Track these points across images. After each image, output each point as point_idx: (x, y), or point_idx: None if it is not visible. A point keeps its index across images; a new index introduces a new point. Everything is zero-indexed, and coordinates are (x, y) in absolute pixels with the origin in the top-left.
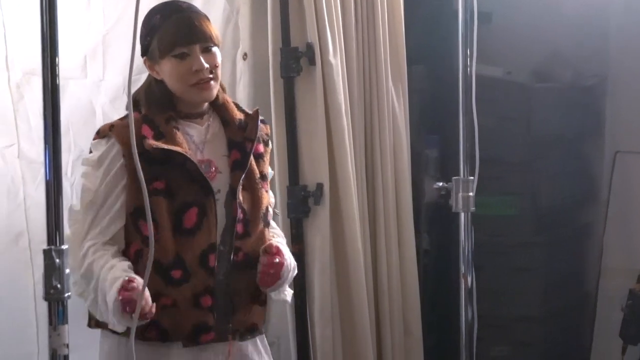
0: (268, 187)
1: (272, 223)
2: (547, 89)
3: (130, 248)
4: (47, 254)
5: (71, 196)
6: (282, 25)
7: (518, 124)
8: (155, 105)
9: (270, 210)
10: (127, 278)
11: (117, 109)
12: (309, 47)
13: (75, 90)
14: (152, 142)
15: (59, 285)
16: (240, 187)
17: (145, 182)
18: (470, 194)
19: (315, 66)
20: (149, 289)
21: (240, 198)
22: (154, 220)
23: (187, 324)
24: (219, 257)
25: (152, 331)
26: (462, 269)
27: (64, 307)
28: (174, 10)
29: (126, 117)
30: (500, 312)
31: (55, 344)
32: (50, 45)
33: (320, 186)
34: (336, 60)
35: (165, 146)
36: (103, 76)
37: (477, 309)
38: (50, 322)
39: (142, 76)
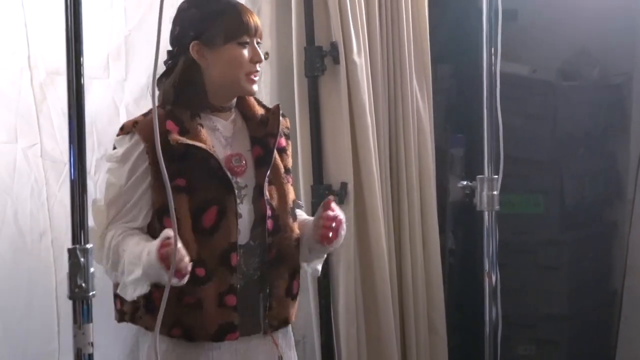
0: (291, 180)
1: (299, 211)
2: (573, 87)
3: None
4: (72, 252)
5: (95, 195)
6: (306, 24)
7: (544, 122)
8: (186, 94)
9: (297, 203)
10: (164, 237)
11: (141, 109)
12: (333, 46)
13: (99, 90)
14: (177, 137)
15: (83, 284)
16: (266, 184)
17: (169, 179)
18: (495, 192)
19: (340, 65)
20: (173, 288)
21: (267, 194)
22: (178, 216)
23: (212, 323)
24: (248, 253)
25: (177, 330)
26: (486, 267)
27: (89, 306)
28: (233, 2)
29: (149, 112)
30: (525, 311)
31: (80, 342)
32: (75, 45)
33: (344, 185)
34: (360, 59)
35: (190, 142)
36: (126, 76)
37: (503, 307)
38: (75, 321)
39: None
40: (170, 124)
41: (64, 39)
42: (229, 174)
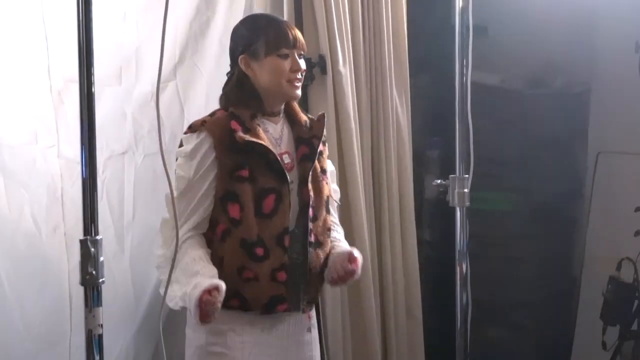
0: (328, 179)
1: (332, 211)
2: (538, 95)
3: (218, 228)
4: (83, 243)
5: (101, 193)
6: None
7: (512, 127)
8: (244, 101)
9: (331, 199)
10: (214, 284)
11: (145, 115)
12: (321, 58)
13: (110, 97)
14: (242, 135)
15: (94, 272)
16: (310, 177)
17: (232, 170)
18: (466, 190)
19: (327, 75)
20: (235, 264)
21: (309, 187)
22: (239, 203)
23: (265, 295)
24: (294, 238)
25: (235, 300)
26: (457, 257)
27: (99, 292)
28: (277, 18)
29: (215, 112)
30: (495, 298)
31: (91, 324)
32: (86, 56)
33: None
34: (345, 70)
35: (253, 139)
36: (135, 83)
37: (474, 294)
38: (86, 305)
39: (169, 84)
40: (234, 124)
41: (77, 55)
42: (284, 167)
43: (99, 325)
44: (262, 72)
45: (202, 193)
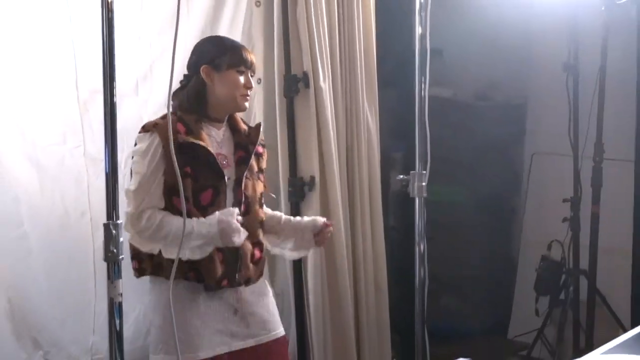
0: (263, 178)
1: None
2: (484, 106)
3: None
4: (106, 227)
5: (123, 184)
6: (285, 58)
7: (462, 132)
8: (194, 105)
9: (265, 194)
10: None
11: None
12: (305, 75)
13: (129, 106)
14: (184, 137)
15: (115, 250)
16: (244, 177)
17: (178, 167)
18: (423, 184)
19: (309, 89)
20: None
21: (244, 185)
22: (183, 197)
23: (216, 273)
24: None
25: (188, 274)
26: (417, 239)
27: (119, 266)
28: (239, 43)
29: (164, 117)
30: (448, 273)
31: (112, 293)
32: (109, 71)
33: (312, 178)
34: (325, 85)
35: (195, 141)
36: (150, 95)
37: (431, 270)
38: (109, 277)
39: (180, 92)
40: (180, 126)
41: (102, 68)
42: (221, 165)
43: (119, 294)
44: (220, 83)
45: (155, 185)
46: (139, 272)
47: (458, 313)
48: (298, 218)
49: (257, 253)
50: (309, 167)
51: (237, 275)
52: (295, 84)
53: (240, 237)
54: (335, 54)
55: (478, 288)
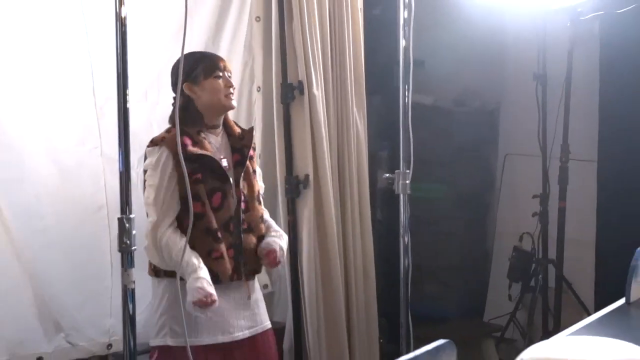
0: (258, 178)
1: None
2: (462, 112)
3: (184, 223)
4: (120, 220)
5: (136, 182)
6: (282, 68)
7: (442, 135)
8: (191, 120)
9: (261, 192)
10: (207, 293)
11: (166, 124)
12: (300, 83)
13: (140, 111)
14: (192, 149)
15: (128, 241)
16: (241, 179)
17: (189, 175)
18: (407, 182)
19: (304, 96)
20: (205, 248)
21: (241, 186)
22: (200, 200)
23: (229, 268)
24: (235, 225)
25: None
26: (401, 232)
27: (132, 256)
28: (208, 52)
29: (169, 131)
30: (429, 262)
31: (126, 280)
32: (123, 80)
33: (307, 176)
34: (318, 92)
35: (201, 151)
36: (158, 101)
37: (414, 260)
38: (123, 266)
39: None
40: (186, 139)
41: (115, 78)
42: (225, 170)
43: (132, 281)
44: (203, 93)
45: (170, 194)
46: (155, 273)
47: (439, 298)
48: (269, 238)
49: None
50: (304, 166)
51: (243, 269)
52: (291, 92)
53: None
54: (327, 64)
55: (456, 276)
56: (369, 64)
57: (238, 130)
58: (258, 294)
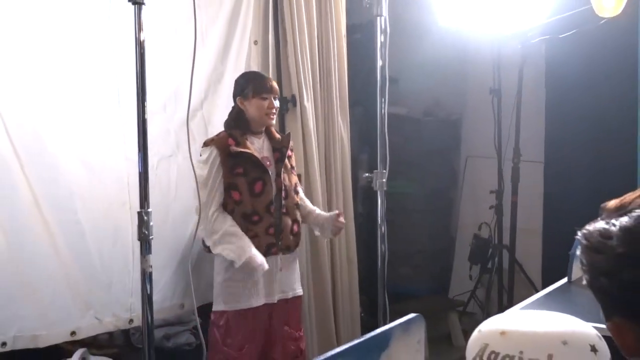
0: (295, 173)
1: (301, 193)
2: (430, 121)
3: (227, 207)
4: (139, 214)
5: (154, 182)
6: (278, 83)
7: (414, 141)
8: (238, 125)
9: (299, 185)
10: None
11: (182, 132)
12: (293, 97)
13: (159, 120)
14: (234, 148)
15: (146, 232)
16: (282, 171)
17: (231, 169)
18: (384, 180)
19: (297, 107)
20: (242, 229)
21: (282, 177)
22: (238, 190)
23: (263, 245)
24: (275, 208)
25: None
26: (379, 222)
27: (149, 244)
28: (262, 74)
29: (219, 134)
30: (404, 248)
31: (144, 265)
32: (142, 95)
33: (299, 176)
34: (308, 104)
35: (242, 149)
36: (175, 112)
37: (390, 246)
38: (141, 253)
39: (197, 112)
40: (230, 140)
41: (136, 93)
42: (264, 164)
43: (149, 266)
44: (250, 108)
45: (217, 183)
46: (208, 249)
47: (411, 278)
48: (323, 213)
49: (295, 228)
50: (297, 167)
51: (279, 244)
52: (286, 104)
53: (263, 268)
54: (316, 80)
55: (426, 259)
56: (352, 81)
57: (277, 135)
58: (293, 265)
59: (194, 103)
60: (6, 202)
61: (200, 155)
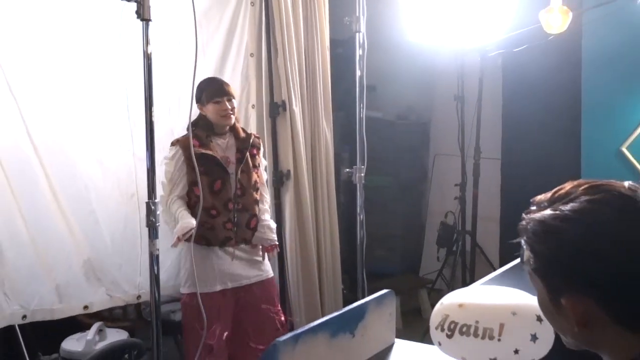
0: (259, 171)
1: (262, 191)
2: (403, 124)
3: (191, 202)
4: (147, 204)
5: (160, 177)
6: (270, 91)
7: (389, 141)
8: (202, 127)
9: (260, 182)
10: (186, 226)
11: (184, 131)
12: (283, 102)
13: (164, 123)
14: (197, 149)
15: (153, 219)
16: (239, 171)
17: (194, 168)
18: (362, 174)
19: (286, 111)
20: (202, 220)
21: (239, 176)
22: (200, 187)
23: (220, 237)
24: (235, 205)
25: (201, 240)
26: (358, 211)
27: (156, 230)
28: (216, 78)
29: (184, 136)
30: (380, 232)
31: (152, 248)
32: (149, 101)
33: (288, 171)
34: (297, 109)
35: (204, 151)
36: (178, 115)
37: (367, 231)
38: (149, 237)
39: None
40: (194, 141)
41: (144, 99)
42: (224, 165)
43: (156, 249)
44: (208, 112)
45: (179, 177)
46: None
47: (386, 259)
48: (265, 226)
49: (252, 222)
50: (286, 163)
51: (235, 237)
52: (276, 108)
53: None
54: (304, 88)
55: (399, 243)
56: (334, 88)
57: (243, 134)
58: (253, 254)
59: (194, 108)
60: (28, 195)
61: (168, 153)
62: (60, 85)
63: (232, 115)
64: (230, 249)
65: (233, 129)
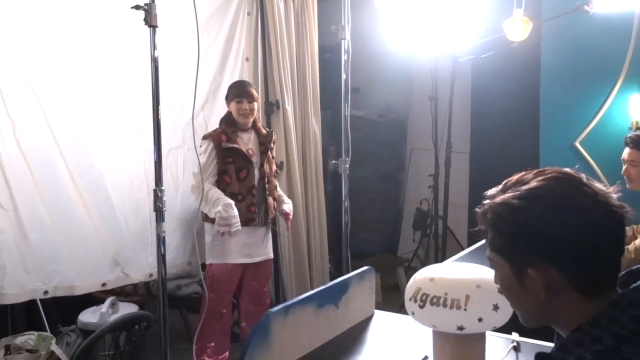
0: (275, 162)
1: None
2: (383, 121)
3: (220, 187)
4: (155, 191)
5: (166, 167)
6: (265, 91)
7: (370, 137)
8: (228, 123)
9: (276, 172)
10: (227, 210)
11: (188, 129)
12: (276, 101)
13: (169, 121)
14: (225, 144)
15: (160, 205)
16: (265, 161)
17: (223, 159)
18: (347, 165)
19: (280, 109)
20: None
21: (264, 167)
22: (228, 175)
23: (244, 218)
24: (258, 191)
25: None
26: (343, 198)
27: (162, 215)
28: (242, 81)
29: (215, 130)
30: (362, 217)
31: (159, 230)
32: (156, 98)
33: (282, 162)
34: (289, 107)
35: (231, 145)
36: (182, 113)
37: (352, 215)
38: (157, 221)
39: (200, 114)
40: (223, 136)
41: (151, 98)
42: (249, 156)
43: (163, 231)
44: (231, 109)
45: (211, 168)
46: (205, 219)
47: (367, 241)
48: (283, 196)
49: (272, 206)
50: (280, 156)
51: (262, 218)
52: (271, 107)
53: (232, 228)
54: (295, 89)
55: (379, 226)
56: (322, 89)
57: (264, 131)
58: (267, 235)
59: (197, 106)
60: (49, 184)
61: (200, 146)
62: (78, 86)
63: (249, 115)
64: (252, 229)
65: (254, 126)
